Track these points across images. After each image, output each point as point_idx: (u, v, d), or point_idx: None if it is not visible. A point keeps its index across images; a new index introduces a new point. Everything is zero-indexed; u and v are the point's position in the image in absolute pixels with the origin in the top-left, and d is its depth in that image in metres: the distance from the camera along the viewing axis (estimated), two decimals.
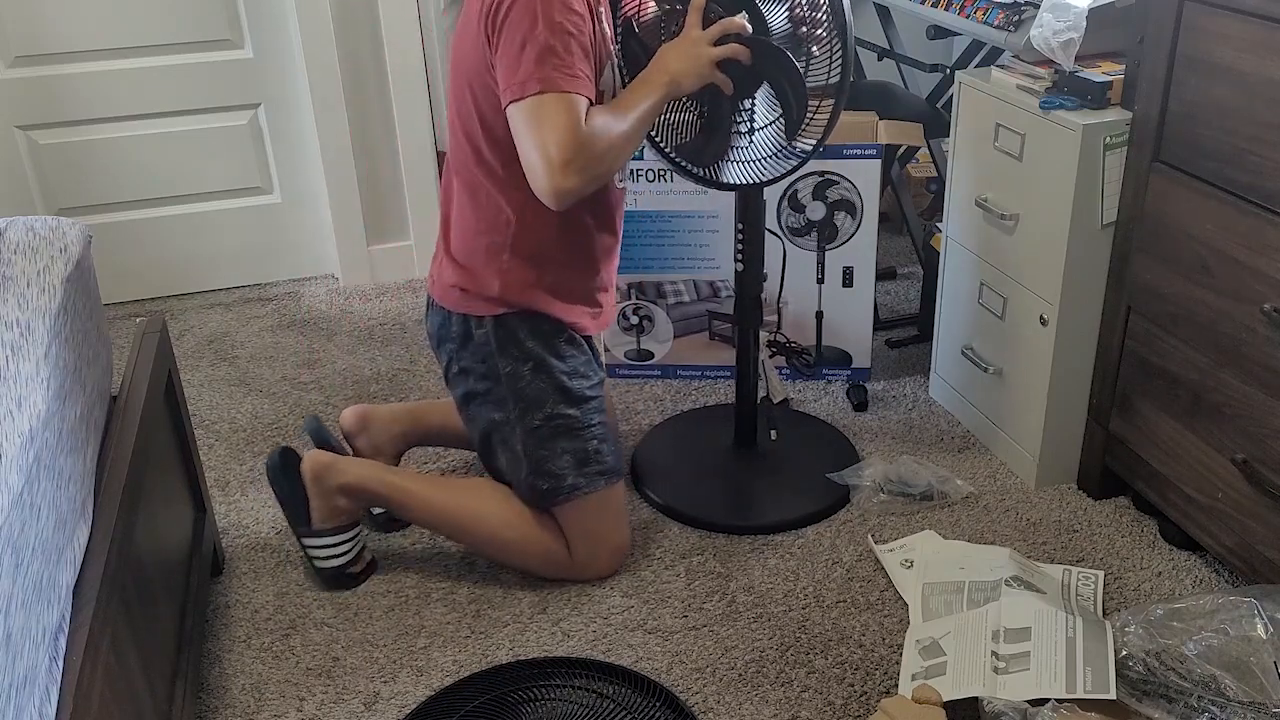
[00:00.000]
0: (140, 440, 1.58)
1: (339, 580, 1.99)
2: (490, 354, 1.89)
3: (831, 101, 1.84)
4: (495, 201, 1.83)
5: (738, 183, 1.98)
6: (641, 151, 2.05)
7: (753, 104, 1.91)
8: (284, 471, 1.98)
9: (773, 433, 2.25)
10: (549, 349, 1.88)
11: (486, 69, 1.73)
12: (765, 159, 1.93)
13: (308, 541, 1.98)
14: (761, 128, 1.91)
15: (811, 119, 1.85)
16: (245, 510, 2.20)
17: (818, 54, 1.82)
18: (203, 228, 3.07)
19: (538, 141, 1.66)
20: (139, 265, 3.06)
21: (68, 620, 1.25)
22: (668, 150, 2.02)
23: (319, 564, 1.98)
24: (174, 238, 3.06)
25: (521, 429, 1.90)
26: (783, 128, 1.90)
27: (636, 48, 1.89)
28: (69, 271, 1.59)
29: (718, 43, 1.80)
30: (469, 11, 1.78)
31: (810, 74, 1.83)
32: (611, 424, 2.26)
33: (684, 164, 2.01)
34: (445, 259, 1.93)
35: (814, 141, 1.89)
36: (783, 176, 1.95)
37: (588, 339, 1.98)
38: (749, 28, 1.82)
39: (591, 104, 1.71)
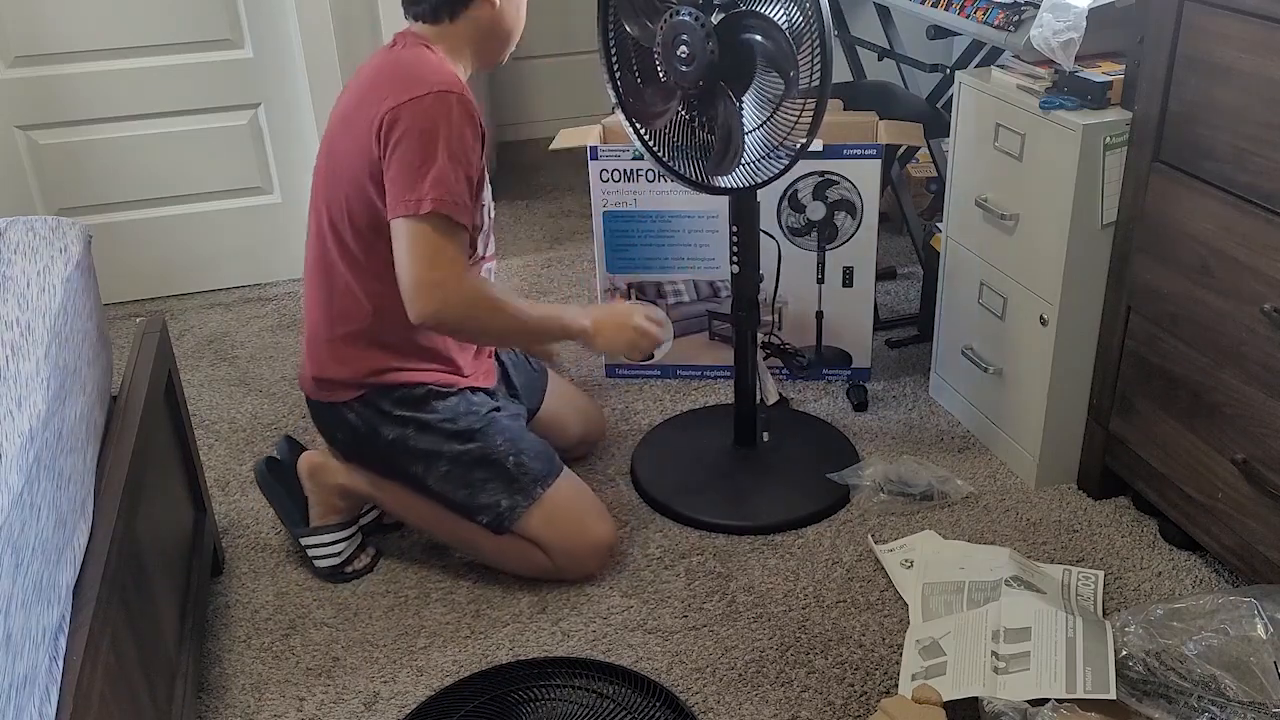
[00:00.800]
0: (140, 440, 1.58)
1: (339, 577, 2.00)
2: (370, 433, 1.91)
3: (814, 102, 1.83)
4: (353, 292, 1.87)
5: (730, 186, 1.98)
6: (639, 152, 2.06)
7: (740, 108, 1.90)
8: (274, 477, 2.04)
9: (765, 435, 2.26)
10: (419, 409, 1.90)
11: (368, 171, 1.76)
12: (756, 162, 1.93)
13: (305, 541, 2.00)
14: (750, 131, 1.91)
15: (797, 121, 1.84)
16: (245, 510, 2.20)
17: (801, 59, 1.81)
18: (203, 228, 3.07)
19: (419, 259, 1.72)
20: (139, 265, 3.06)
21: (68, 620, 1.25)
22: (660, 154, 2.02)
23: (317, 563, 2.00)
24: (174, 238, 3.06)
25: (434, 481, 1.91)
26: (770, 132, 1.89)
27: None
28: (69, 271, 1.59)
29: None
30: (351, 112, 1.80)
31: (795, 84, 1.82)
32: (579, 412, 2.25)
33: (675, 167, 2.01)
34: (306, 350, 1.96)
35: (802, 141, 1.88)
36: (773, 179, 1.94)
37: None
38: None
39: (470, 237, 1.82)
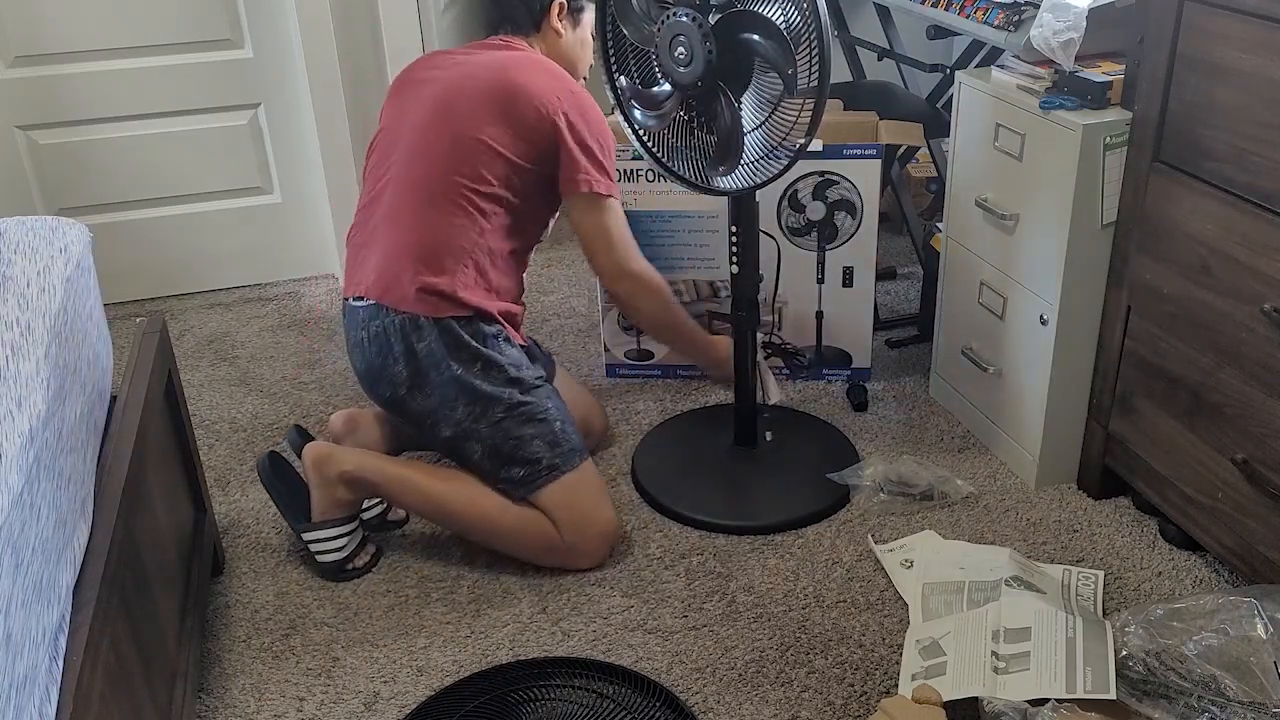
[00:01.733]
0: (140, 440, 1.58)
1: (341, 574, 2.00)
2: (437, 363, 1.96)
3: (813, 101, 1.83)
4: (477, 226, 2.00)
5: (730, 187, 1.97)
6: (639, 152, 2.06)
7: (740, 107, 1.90)
8: (276, 473, 2.05)
9: (767, 435, 2.26)
10: (491, 347, 1.98)
11: (529, 143, 1.99)
12: (755, 162, 1.93)
13: (308, 536, 2.00)
14: (749, 131, 1.91)
15: (796, 121, 1.84)
16: (245, 510, 2.20)
17: (799, 59, 1.81)
18: (203, 228, 3.08)
19: (617, 243, 2.09)
20: (139, 265, 3.06)
21: (68, 620, 1.25)
22: (659, 155, 2.02)
23: (320, 558, 2.00)
24: (174, 238, 3.06)
25: (485, 426, 1.96)
26: (769, 132, 1.89)
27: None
28: (69, 271, 1.59)
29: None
30: (491, 85, 2.01)
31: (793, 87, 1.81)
32: (582, 409, 2.29)
33: (674, 168, 2.01)
34: (405, 261, 1.98)
35: (801, 141, 1.88)
36: (773, 179, 1.94)
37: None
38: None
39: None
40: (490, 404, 1.95)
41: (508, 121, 1.99)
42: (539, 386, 2.02)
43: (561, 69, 2.09)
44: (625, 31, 1.94)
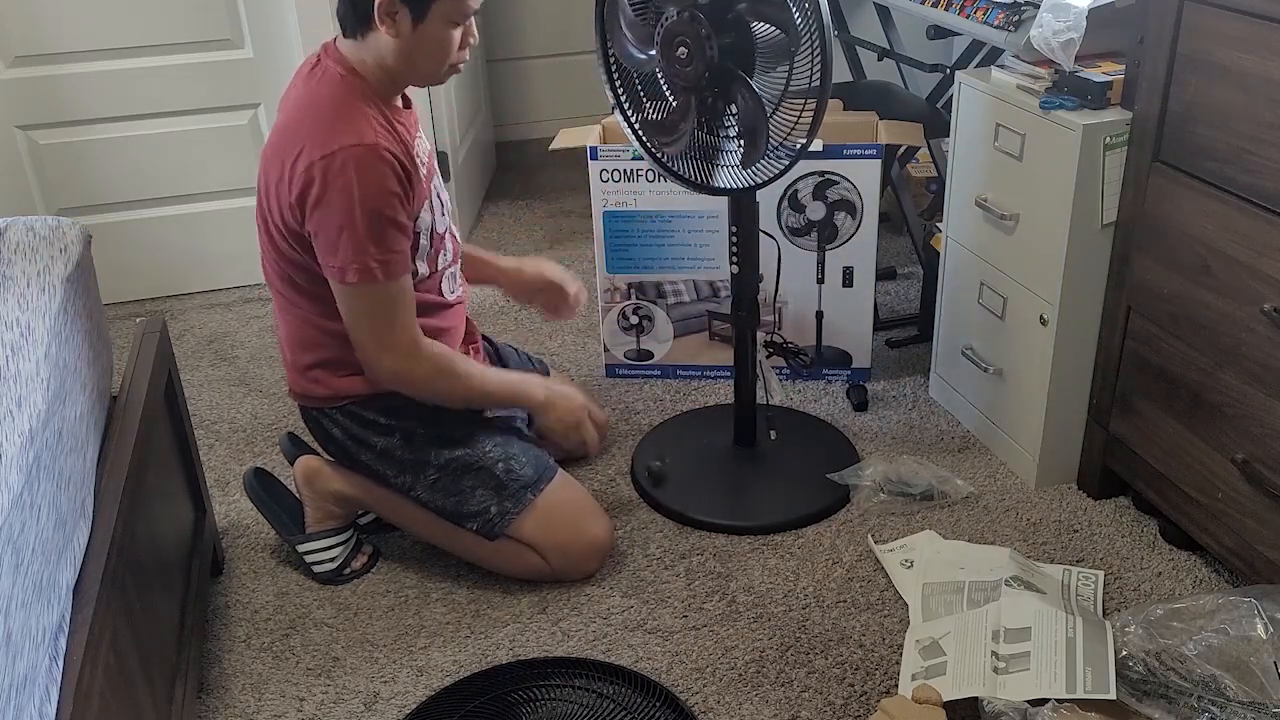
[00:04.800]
0: (140, 440, 1.58)
1: (339, 580, 2.00)
2: (358, 443, 1.92)
3: (814, 102, 1.83)
4: (313, 324, 1.87)
5: (729, 187, 1.97)
6: (639, 152, 2.06)
7: (748, 102, 1.90)
8: (263, 487, 2.04)
9: (772, 433, 2.26)
10: (403, 417, 1.89)
11: (296, 228, 1.75)
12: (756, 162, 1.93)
13: (302, 548, 2.00)
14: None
15: (796, 123, 1.84)
16: (245, 510, 2.20)
17: (799, 60, 1.81)
18: (203, 228, 3.07)
19: (366, 329, 1.77)
20: (139, 265, 3.06)
21: (68, 620, 1.25)
22: (658, 154, 2.02)
23: (316, 569, 2.00)
24: (174, 238, 3.06)
25: (423, 490, 1.90)
26: (771, 131, 1.88)
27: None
28: (69, 271, 1.59)
29: None
30: (275, 150, 1.75)
31: (794, 78, 1.81)
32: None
33: (675, 169, 2.01)
34: (288, 365, 1.96)
35: (802, 141, 1.88)
36: (773, 179, 1.94)
37: None
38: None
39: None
40: (419, 469, 1.89)
41: (282, 198, 1.74)
42: (471, 432, 1.91)
43: (337, 110, 1.72)
44: (625, 60, 1.94)
